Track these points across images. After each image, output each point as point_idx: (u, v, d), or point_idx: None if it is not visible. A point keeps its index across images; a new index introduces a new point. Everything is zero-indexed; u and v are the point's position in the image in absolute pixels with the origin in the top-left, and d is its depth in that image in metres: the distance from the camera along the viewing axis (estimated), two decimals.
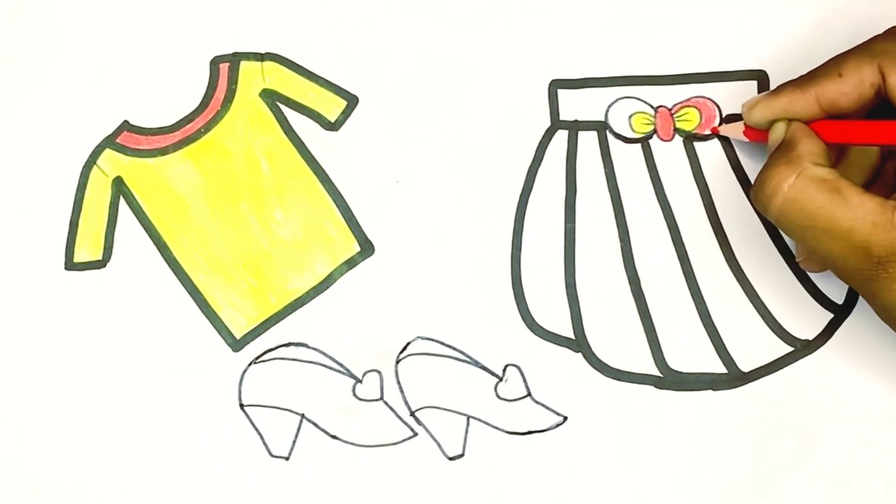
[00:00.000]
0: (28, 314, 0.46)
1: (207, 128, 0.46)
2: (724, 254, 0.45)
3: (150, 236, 0.46)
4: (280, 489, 0.45)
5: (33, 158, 0.46)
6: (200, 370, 0.45)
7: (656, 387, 0.44)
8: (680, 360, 0.44)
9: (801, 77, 0.40)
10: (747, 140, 0.44)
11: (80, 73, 0.47)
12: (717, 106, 0.45)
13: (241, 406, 0.45)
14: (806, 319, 0.44)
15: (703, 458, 0.44)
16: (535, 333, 0.45)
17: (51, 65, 0.47)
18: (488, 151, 0.46)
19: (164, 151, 0.46)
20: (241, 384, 0.45)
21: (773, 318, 0.44)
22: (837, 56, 0.40)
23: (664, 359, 0.44)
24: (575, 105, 0.46)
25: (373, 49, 0.46)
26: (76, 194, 0.46)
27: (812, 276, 0.44)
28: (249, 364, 0.45)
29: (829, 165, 0.39)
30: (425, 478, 0.45)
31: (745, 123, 0.43)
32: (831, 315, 0.44)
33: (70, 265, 0.46)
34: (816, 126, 0.40)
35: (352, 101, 0.46)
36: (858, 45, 0.39)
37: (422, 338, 0.45)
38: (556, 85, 0.46)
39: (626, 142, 0.46)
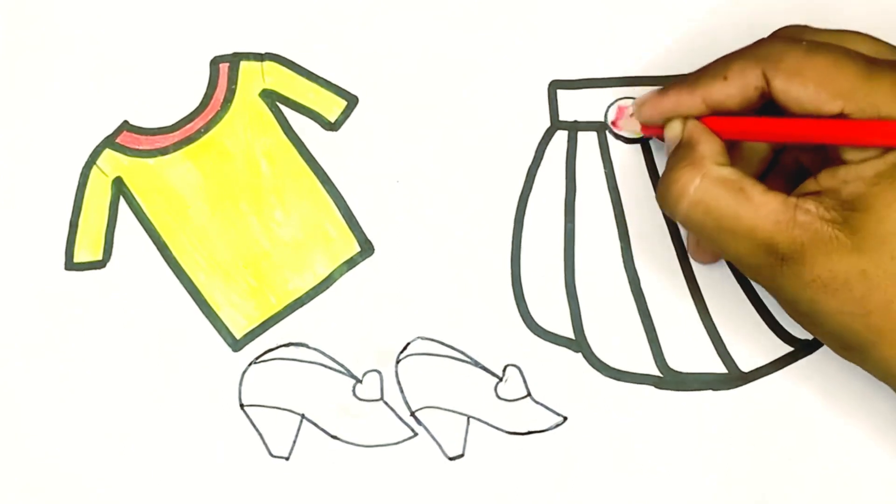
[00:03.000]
0: (28, 314, 0.46)
1: (207, 128, 0.47)
2: None
3: (150, 236, 0.46)
4: (280, 489, 0.45)
5: (33, 158, 0.46)
6: (200, 370, 0.45)
7: (656, 387, 0.44)
8: (680, 360, 0.44)
9: (690, 76, 0.41)
10: (643, 136, 0.44)
11: (80, 73, 0.47)
12: None
13: (241, 406, 0.45)
14: None
15: (703, 458, 0.44)
16: (535, 333, 0.45)
17: (51, 65, 0.47)
18: (488, 151, 0.46)
19: (164, 151, 0.46)
20: (241, 384, 0.45)
21: (773, 318, 0.44)
22: (724, 57, 0.40)
23: (664, 359, 0.44)
24: (574, 105, 0.46)
25: (373, 49, 0.46)
26: (76, 194, 0.46)
27: None
28: (249, 364, 0.45)
29: (728, 163, 0.39)
30: (425, 478, 0.45)
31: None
32: None
33: (70, 265, 0.46)
34: (709, 121, 0.40)
35: (352, 101, 0.46)
36: (744, 48, 0.40)
37: (422, 338, 0.45)
38: (555, 85, 0.46)
39: (626, 142, 0.46)
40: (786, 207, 0.37)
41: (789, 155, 0.43)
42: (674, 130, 0.41)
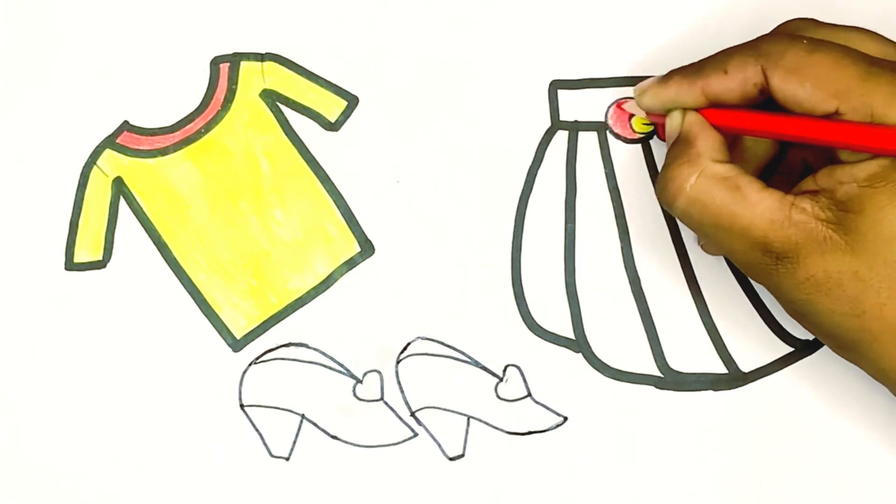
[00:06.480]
0: (28, 314, 0.46)
1: (208, 128, 0.47)
2: None
3: (150, 236, 0.46)
4: (280, 489, 0.45)
5: (33, 158, 0.46)
6: (200, 370, 0.45)
7: (656, 387, 0.45)
8: (680, 360, 0.44)
9: (691, 66, 0.40)
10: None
11: (80, 73, 0.47)
12: None
13: (242, 406, 0.45)
14: None
15: (703, 458, 0.44)
16: (535, 333, 0.45)
17: (51, 65, 0.47)
18: (488, 151, 0.46)
19: (164, 152, 0.46)
20: (241, 384, 0.45)
21: (773, 318, 0.44)
22: (726, 51, 0.40)
23: (664, 359, 0.44)
24: (575, 105, 0.46)
25: (373, 49, 0.46)
26: (76, 195, 0.46)
27: None
28: (250, 364, 0.45)
29: (727, 158, 0.39)
30: (425, 478, 0.45)
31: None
32: None
33: (70, 265, 0.46)
34: (707, 113, 0.40)
35: (352, 101, 0.46)
36: (746, 43, 0.39)
37: (422, 338, 0.45)
38: (556, 85, 0.46)
39: (626, 142, 0.46)
40: (781, 206, 0.37)
41: (796, 153, 0.42)
42: (674, 122, 0.41)
